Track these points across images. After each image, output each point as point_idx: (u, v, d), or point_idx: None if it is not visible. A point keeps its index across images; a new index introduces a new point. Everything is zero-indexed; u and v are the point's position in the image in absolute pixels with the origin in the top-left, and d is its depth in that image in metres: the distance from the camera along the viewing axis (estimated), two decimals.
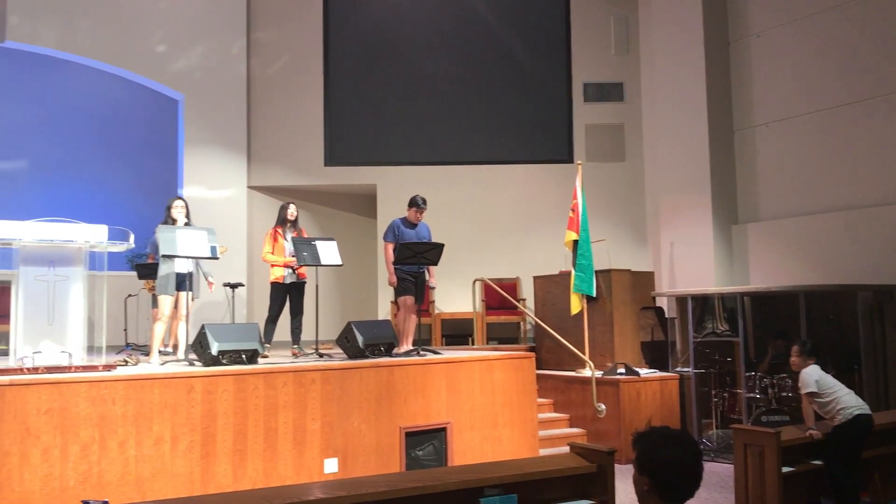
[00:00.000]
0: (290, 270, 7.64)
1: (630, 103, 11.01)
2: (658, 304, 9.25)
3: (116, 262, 9.05)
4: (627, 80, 11.02)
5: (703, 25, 9.65)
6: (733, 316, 8.06)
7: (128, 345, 9.52)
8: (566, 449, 7.11)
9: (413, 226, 7.77)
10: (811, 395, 5.14)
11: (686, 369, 8.25)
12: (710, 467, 7.42)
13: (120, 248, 5.72)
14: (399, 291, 7.62)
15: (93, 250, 5.63)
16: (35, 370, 5.07)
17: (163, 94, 10.95)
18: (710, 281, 9.22)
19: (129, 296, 9.75)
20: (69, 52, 10.13)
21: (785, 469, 4.74)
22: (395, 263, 7.44)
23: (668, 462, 2.45)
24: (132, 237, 5.75)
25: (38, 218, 5.37)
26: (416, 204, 7.77)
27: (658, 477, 2.45)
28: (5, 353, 5.38)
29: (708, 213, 9.44)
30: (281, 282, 7.63)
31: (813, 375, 5.18)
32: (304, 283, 7.76)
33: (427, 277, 7.71)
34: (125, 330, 9.71)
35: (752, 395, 7.52)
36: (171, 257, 6.58)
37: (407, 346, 7.52)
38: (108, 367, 5.38)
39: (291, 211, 7.85)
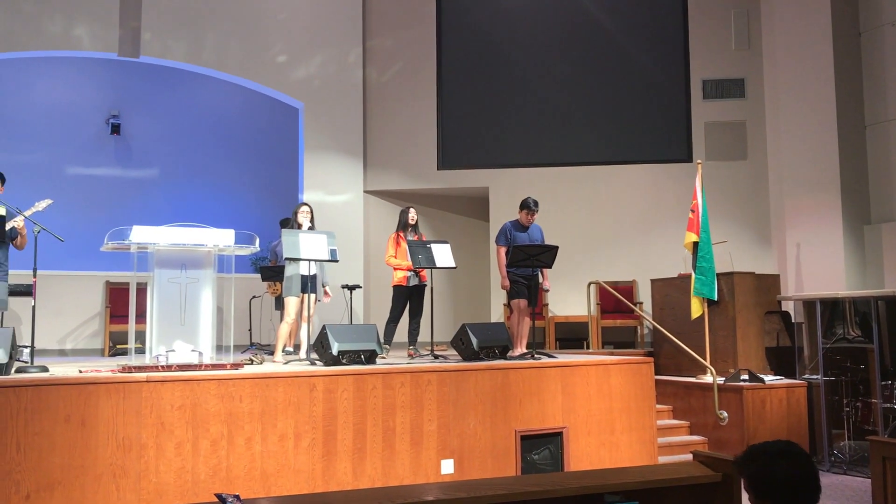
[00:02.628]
0: (413, 273, 7.78)
1: (752, 99, 10.59)
2: (784, 309, 8.86)
3: (241, 265, 9.45)
4: (749, 76, 10.61)
5: (832, 15, 9.19)
6: (866, 321, 7.63)
7: (252, 344, 9.90)
8: (686, 457, 6.93)
9: (525, 228, 7.75)
10: None
11: (815, 377, 7.87)
12: (842, 480, 7.06)
13: (246, 251, 5.95)
14: (511, 294, 7.61)
15: (221, 254, 5.88)
16: (169, 368, 5.34)
17: (284, 102, 11.33)
18: (841, 284, 8.75)
19: (254, 297, 10.13)
20: (197, 64, 10.63)
21: None
22: (508, 266, 7.45)
23: (786, 481, 2.33)
24: (257, 241, 5.97)
25: (167, 223, 5.66)
26: (528, 206, 7.74)
27: (778, 499, 2.33)
28: (142, 352, 5.68)
29: (837, 213, 8.98)
30: (404, 284, 7.79)
31: None
32: (426, 285, 7.88)
33: (541, 280, 7.67)
34: (249, 330, 10.09)
35: (888, 405, 7.09)
36: (295, 260, 6.81)
37: (521, 349, 7.49)
38: (236, 366, 5.60)
39: (412, 215, 7.98)
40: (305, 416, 5.38)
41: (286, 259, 6.88)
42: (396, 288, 7.87)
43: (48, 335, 9.28)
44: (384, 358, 7.10)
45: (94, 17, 9.92)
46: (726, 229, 9.75)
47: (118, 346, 9.48)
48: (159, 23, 10.28)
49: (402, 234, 7.90)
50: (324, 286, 7.63)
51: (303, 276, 7.02)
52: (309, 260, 6.75)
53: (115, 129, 11.72)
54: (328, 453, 5.43)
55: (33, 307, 5.76)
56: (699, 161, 8.84)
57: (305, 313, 7.12)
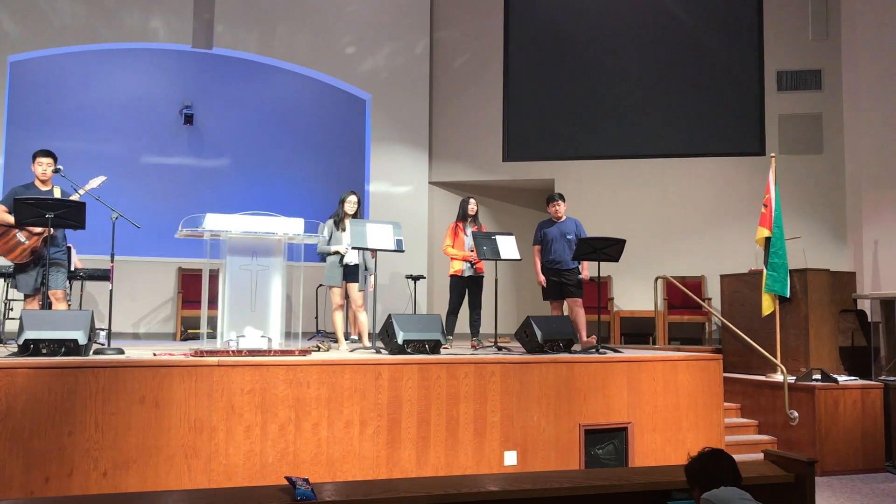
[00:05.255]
0: (469, 264, 7.79)
1: (829, 91, 10.26)
2: (859, 307, 8.58)
3: (308, 254, 9.58)
4: (826, 67, 10.27)
5: None
6: None
7: (319, 331, 10.04)
8: (755, 456, 6.78)
9: (554, 223, 7.80)
10: None
11: (892, 378, 7.60)
12: None
13: (314, 240, 6.04)
14: (543, 295, 7.98)
15: (291, 242, 5.98)
16: (239, 353, 5.45)
17: (352, 94, 11.44)
18: None
19: (320, 285, 10.26)
20: (268, 56, 10.80)
21: None
22: (574, 258, 7.46)
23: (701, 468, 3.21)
24: (325, 229, 6.05)
25: (238, 212, 5.77)
26: (551, 199, 7.97)
27: (697, 480, 3.18)
28: (213, 336, 5.82)
29: None
30: (459, 275, 7.81)
31: None
32: (482, 276, 7.88)
33: (580, 272, 7.83)
34: (316, 317, 10.24)
35: None
36: (361, 249, 6.87)
37: (583, 339, 7.51)
38: (304, 352, 5.69)
39: (472, 206, 7.98)
40: (371, 404, 5.45)
41: (352, 248, 6.94)
42: (453, 278, 7.90)
43: (123, 318, 9.59)
44: (448, 348, 7.13)
45: (169, 10, 10.18)
46: (800, 225, 9.49)
47: (189, 331, 9.73)
48: (231, 15, 10.49)
49: (460, 225, 7.92)
50: (369, 277, 7.66)
51: (345, 266, 7.09)
52: (376, 250, 6.80)
53: (189, 119, 12.00)
54: (392, 441, 5.49)
55: (110, 291, 5.95)
56: (773, 154, 8.61)
57: (359, 302, 7.19)
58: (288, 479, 2.96)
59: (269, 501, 2.88)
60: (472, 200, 8.02)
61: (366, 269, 7.30)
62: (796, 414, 7.35)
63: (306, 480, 2.95)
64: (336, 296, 7.19)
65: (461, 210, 8.01)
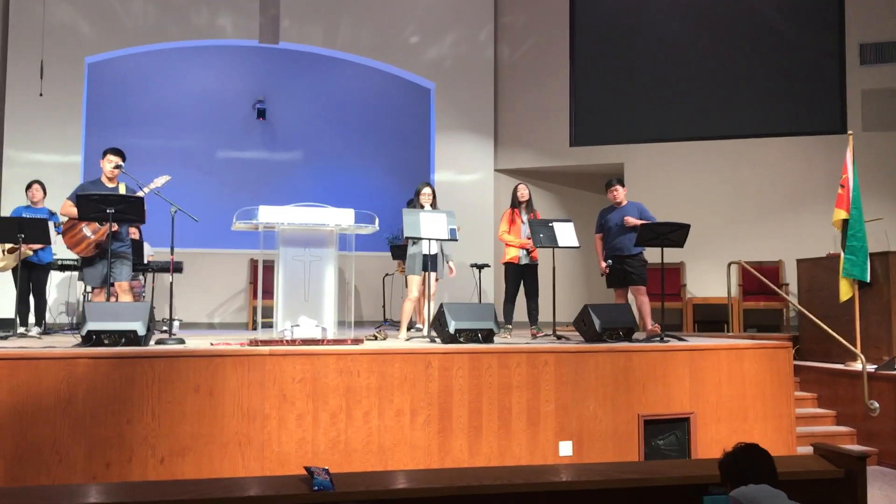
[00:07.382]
0: (525, 252, 7.68)
1: None
2: None
3: (377, 244, 9.65)
4: None
5: None
6: None
7: (386, 320, 10.12)
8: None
9: (614, 209, 7.60)
10: None
11: None
12: None
13: (366, 230, 6.05)
14: (607, 284, 7.78)
15: (342, 233, 6.01)
16: (293, 342, 5.53)
17: (416, 83, 11.44)
18: None
19: (387, 275, 10.34)
20: (333, 49, 10.92)
21: None
22: (637, 244, 7.30)
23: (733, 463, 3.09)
24: (377, 220, 6.06)
25: (310, 203, 5.84)
26: (609, 185, 7.77)
27: (729, 476, 3.07)
28: (270, 326, 5.91)
29: None
30: (515, 262, 7.71)
31: None
32: (537, 264, 7.77)
33: (645, 259, 7.63)
34: (383, 306, 10.32)
35: None
36: (418, 239, 6.87)
37: (649, 327, 7.32)
38: (356, 342, 5.72)
39: (521, 191, 7.88)
40: (421, 393, 5.43)
41: (406, 238, 6.94)
42: (507, 266, 7.78)
43: (197, 309, 9.88)
44: (506, 338, 7.06)
45: (236, 7, 10.39)
46: (883, 205, 9.01)
47: (262, 320, 9.93)
48: (297, 9, 10.63)
49: (517, 211, 7.82)
50: (448, 262, 7.65)
51: (425, 256, 7.07)
52: (429, 239, 6.79)
53: (261, 113, 12.24)
54: (444, 430, 5.47)
55: (170, 283, 6.12)
56: (851, 132, 8.17)
57: (432, 290, 7.18)
58: (307, 469, 2.97)
59: (287, 491, 2.90)
60: (521, 186, 7.93)
61: (443, 255, 7.32)
62: (877, 405, 6.98)
63: (326, 470, 2.96)
64: (415, 285, 7.18)
65: (513, 197, 7.93)
